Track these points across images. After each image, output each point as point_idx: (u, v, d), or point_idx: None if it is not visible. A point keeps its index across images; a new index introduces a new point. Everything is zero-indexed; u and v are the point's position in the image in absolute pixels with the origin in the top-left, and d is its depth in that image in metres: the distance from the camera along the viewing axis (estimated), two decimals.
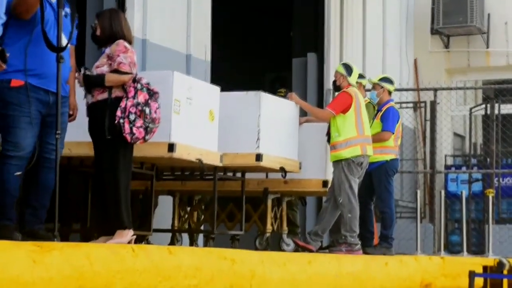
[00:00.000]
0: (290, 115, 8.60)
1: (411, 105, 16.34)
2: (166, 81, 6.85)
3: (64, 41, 5.76)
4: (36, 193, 5.87)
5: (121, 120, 6.18)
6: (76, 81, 6.38)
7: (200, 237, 9.37)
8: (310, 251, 8.65)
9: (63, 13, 5.73)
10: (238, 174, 8.42)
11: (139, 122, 6.22)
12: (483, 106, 16.75)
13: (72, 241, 6.89)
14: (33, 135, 5.76)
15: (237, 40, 16.25)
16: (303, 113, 9.31)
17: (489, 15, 16.89)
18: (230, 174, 8.33)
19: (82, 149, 7.02)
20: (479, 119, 18.69)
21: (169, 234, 8.92)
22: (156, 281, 5.52)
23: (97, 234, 6.60)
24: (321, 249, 9.10)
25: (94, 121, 6.34)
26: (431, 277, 9.90)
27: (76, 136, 6.71)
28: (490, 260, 10.55)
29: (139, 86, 6.29)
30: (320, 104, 12.78)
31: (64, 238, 7.01)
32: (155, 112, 6.32)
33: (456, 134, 18.53)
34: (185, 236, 9.13)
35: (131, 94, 6.26)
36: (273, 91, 9.35)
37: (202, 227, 9.22)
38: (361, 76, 9.45)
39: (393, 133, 9.51)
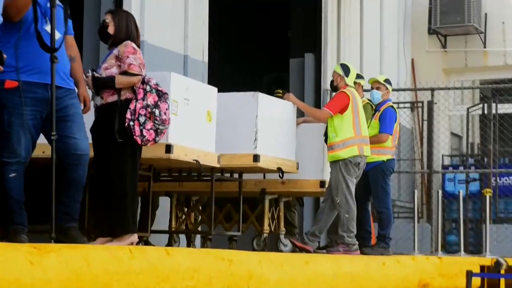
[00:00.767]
0: (288, 115, 8.60)
1: (408, 105, 16.36)
2: (163, 82, 6.83)
3: (57, 35, 5.67)
4: (65, 189, 5.77)
5: (131, 123, 6.16)
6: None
7: (198, 238, 9.38)
8: (308, 251, 8.65)
9: (54, 10, 5.62)
10: (236, 175, 8.42)
11: (149, 124, 6.20)
12: (481, 105, 16.79)
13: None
14: (28, 139, 5.67)
15: (234, 41, 16.25)
16: (300, 113, 9.32)
17: (486, 14, 16.91)
18: (227, 175, 8.34)
19: None
20: (477, 118, 18.73)
21: (167, 235, 8.92)
22: (154, 282, 5.52)
23: (94, 235, 6.60)
24: (318, 249, 9.10)
25: (103, 123, 6.27)
26: (429, 277, 9.90)
27: None
28: (487, 259, 10.57)
29: (148, 87, 6.27)
30: (317, 104, 12.79)
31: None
32: (165, 113, 6.31)
33: (453, 134, 18.56)
34: (183, 237, 9.13)
35: (140, 95, 6.23)
36: (271, 91, 9.35)
37: (199, 228, 9.23)
38: (359, 76, 9.44)
39: (391, 135, 9.52)
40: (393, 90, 10.44)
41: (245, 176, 8.49)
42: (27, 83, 5.64)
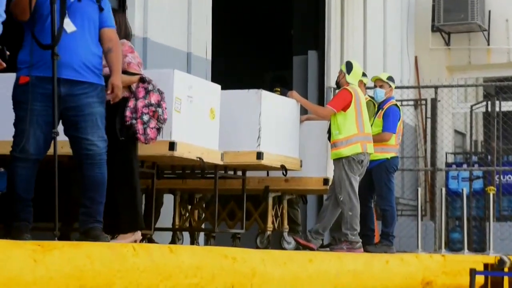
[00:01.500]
0: (291, 113, 8.60)
1: (412, 102, 16.35)
2: (167, 79, 6.84)
3: (70, 26, 5.63)
4: (86, 191, 5.74)
5: (133, 121, 6.16)
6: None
7: (201, 236, 9.38)
8: (311, 249, 8.65)
9: (54, 6, 5.57)
10: (239, 173, 8.42)
11: (153, 123, 6.22)
12: (484, 103, 16.78)
13: (73, 240, 6.89)
14: (38, 136, 5.60)
15: (238, 38, 16.25)
16: (304, 111, 9.31)
17: (489, 12, 16.89)
18: (231, 172, 8.33)
19: None
20: (480, 116, 18.72)
21: (170, 233, 8.92)
22: (157, 280, 5.51)
23: None
24: (322, 247, 9.10)
25: None
26: (432, 275, 9.89)
27: None
28: (491, 257, 10.55)
29: (150, 87, 6.28)
30: (321, 102, 12.79)
31: (65, 237, 6.99)
32: (165, 112, 6.36)
33: (457, 132, 18.54)
34: (186, 235, 9.13)
35: (141, 94, 6.25)
36: (274, 89, 9.36)
37: (203, 226, 9.22)
38: (362, 74, 9.43)
39: (394, 133, 9.50)
40: (397, 87, 10.42)
41: (249, 173, 8.48)
42: (38, 78, 5.58)
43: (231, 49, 15.54)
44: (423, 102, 16.19)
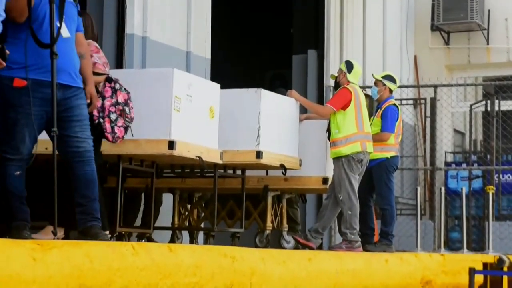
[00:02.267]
0: (291, 112, 8.60)
1: (411, 101, 16.34)
2: (166, 78, 6.84)
3: (65, 31, 5.66)
4: (79, 189, 5.76)
5: (101, 120, 6.21)
6: None
7: (200, 235, 9.37)
8: (311, 248, 8.65)
9: (53, 6, 5.57)
10: (238, 172, 8.42)
11: (120, 122, 6.29)
12: (484, 102, 16.77)
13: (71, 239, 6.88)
14: (32, 138, 5.64)
15: (237, 37, 16.25)
16: (303, 110, 9.31)
17: (489, 11, 16.88)
18: (230, 171, 8.33)
19: None
20: (479, 115, 18.71)
21: (169, 232, 8.92)
22: (156, 279, 5.51)
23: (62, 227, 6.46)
24: (321, 246, 9.10)
25: None
26: (432, 274, 9.89)
27: None
28: (490, 257, 10.56)
29: (117, 86, 6.37)
30: (320, 101, 12.78)
31: (64, 236, 6.98)
32: (131, 111, 6.44)
33: (456, 131, 18.54)
34: (185, 234, 9.13)
35: (108, 93, 6.33)
36: (273, 88, 9.35)
37: (202, 225, 9.22)
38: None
39: (393, 133, 9.50)
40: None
41: (248, 172, 8.48)
42: (36, 81, 5.58)
43: (231, 48, 15.53)
44: (423, 101, 16.18)
